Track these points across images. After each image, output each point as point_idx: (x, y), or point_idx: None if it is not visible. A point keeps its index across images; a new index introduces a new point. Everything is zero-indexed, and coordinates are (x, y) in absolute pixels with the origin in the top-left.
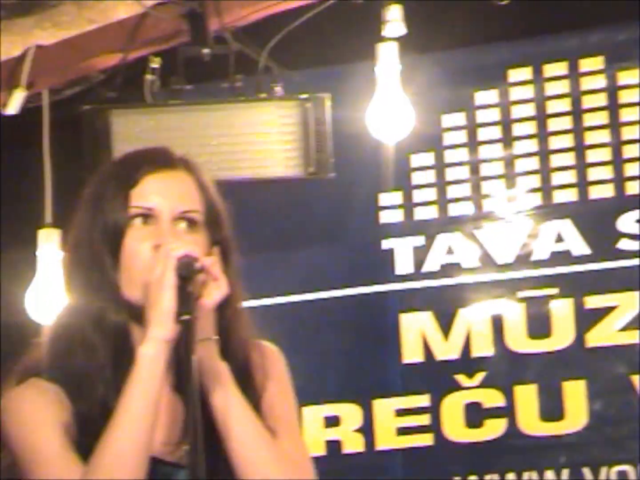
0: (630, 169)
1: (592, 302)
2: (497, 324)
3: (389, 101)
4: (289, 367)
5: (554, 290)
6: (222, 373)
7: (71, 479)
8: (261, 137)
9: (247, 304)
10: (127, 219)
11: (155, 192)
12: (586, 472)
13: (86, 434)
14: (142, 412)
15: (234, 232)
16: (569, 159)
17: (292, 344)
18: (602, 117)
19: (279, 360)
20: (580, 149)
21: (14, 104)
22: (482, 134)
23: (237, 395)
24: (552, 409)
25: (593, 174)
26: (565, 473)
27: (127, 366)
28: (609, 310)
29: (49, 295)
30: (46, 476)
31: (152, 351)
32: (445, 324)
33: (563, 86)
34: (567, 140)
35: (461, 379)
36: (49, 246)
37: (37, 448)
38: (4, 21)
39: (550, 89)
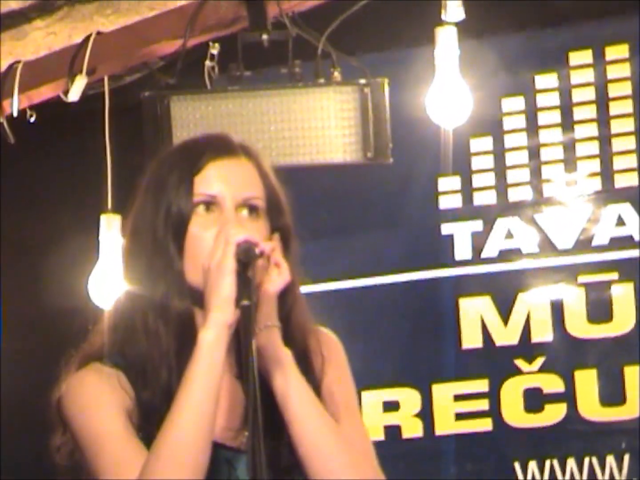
0: None
1: None
2: (557, 309)
3: (448, 86)
4: (348, 352)
5: (614, 275)
6: (285, 360)
7: (135, 464)
8: (320, 122)
9: (306, 289)
10: (192, 207)
11: (218, 179)
12: None
13: (149, 421)
14: (204, 396)
15: (293, 218)
16: (630, 143)
17: (351, 329)
18: None
19: (338, 347)
20: None
21: (75, 91)
22: (542, 118)
23: (301, 381)
24: (612, 394)
25: None
26: (626, 458)
27: (190, 353)
28: None
29: (111, 281)
30: (109, 461)
31: (212, 336)
32: (505, 309)
33: (624, 69)
34: (628, 124)
35: (520, 364)
36: (111, 232)
37: (101, 432)
38: (66, 8)
39: (612, 72)
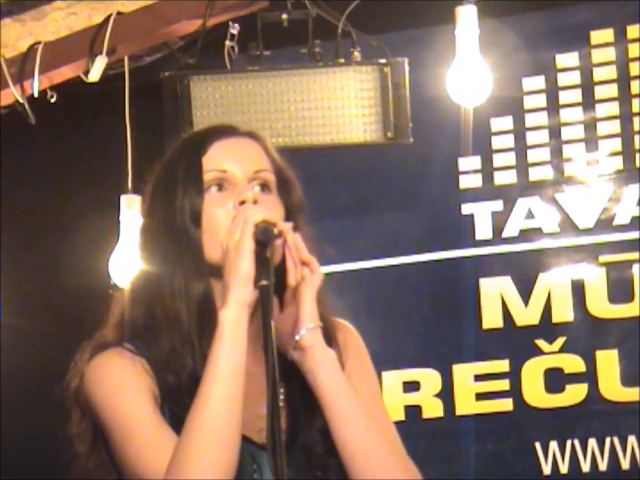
0: None
1: None
2: (578, 289)
3: (468, 65)
4: (368, 332)
5: (635, 255)
6: (330, 361)
7: (166, 448)
8: (340, 102)
9: (326, 269)
10: (204, 188)
11: (226, 155)
12: None
13: (176, 405)
14: (230, 373)
15: (310, 198)
16: None
17: (371, 310)
18: None
19: (355, 337)
20: None
21: (96, 71)
22: (563, 97)
23: (347, 383)
24: (633, 375)
25: None
26: None
27: (211, 334)
28: None
29: (131, 261)
30: (140, 446)
31: (232, 314)
32: (525, 290)
33: None
34: None
35: (541, 344)
36: (131, 212)
37: (129, 416)
38: None
39: (633, 51)
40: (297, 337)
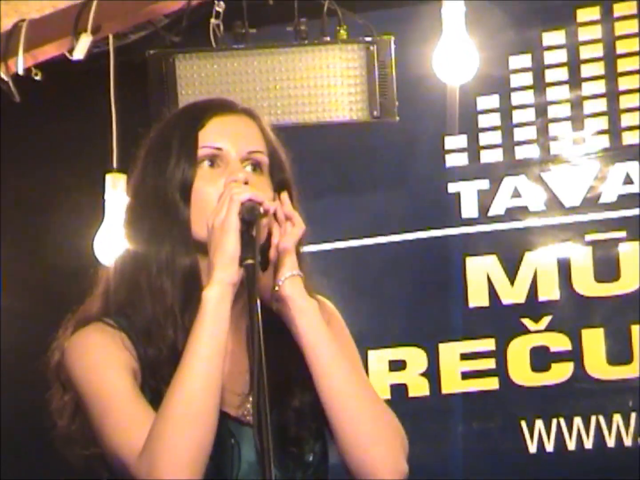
0: None
1: None
2: (564, 268)
3: (454, 43)
4: (353, 311)
5: (621, 234)
6: (311, 309)
7: (144, 423)
8: (325, 81)
9: (312, 248)
10: (197, 162)
11: (222, 133)
12: None
13: (155, 379)
14: (211, 352)
15: (298, 177)
16: (638, 100)
17: (357, 288)
18: None
19: (335, 315)
20: None
21: (80, 49)
22: (550, 75)
23: (328, 331)
24: (619, 353)
25: None
26: (633, 416)
27: (195, 309)
28: None
29: (116, 240)
30: (117, 421)
31: (216, 293)
32: (511, 268)
33: (632, 26)
34: (636, 81)
35: (527, 322)
36: (116, 191)
37: (107, 391)
38: None
39: (620, 28)
40: (276, 288)
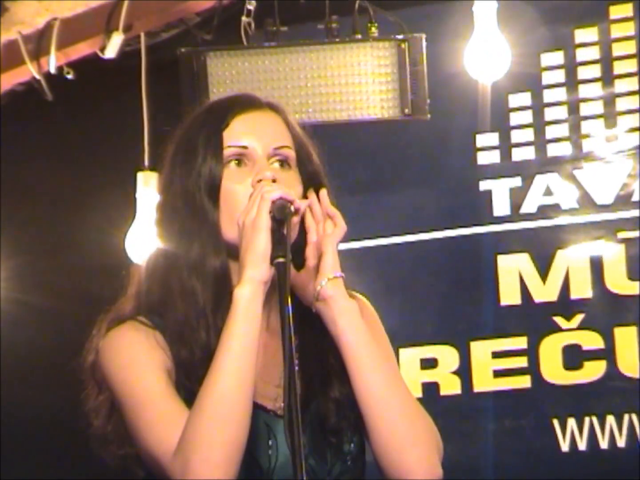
0: None
1: None
2: (596, 266)
3: (486, 40)
4: (386, 309)
5: None
6: (352, 310)
7: (178, 421)
8: (357, 78)
9: (345, 246)
10: (223, 162)
11: (247, 131)
12: None
13: (189, 379)
14: (243, 350)
15: (329, 173)
16: None
17: (389, 287)
18: None
19: (371, 311)
20: None
21: (112, 48)
22: (582, 72)
23: (368, 333)
24: None
25: None
26: None
27: (226, 310)
28: None
29: (148, 238)
30: (152, 419)
31: (248, 292)
32: (543, 266)
33: None
34: None
35: (559, 321)
36: (148, 189)
37: (142, 390)
38: None
39: None
40: (318, 288)
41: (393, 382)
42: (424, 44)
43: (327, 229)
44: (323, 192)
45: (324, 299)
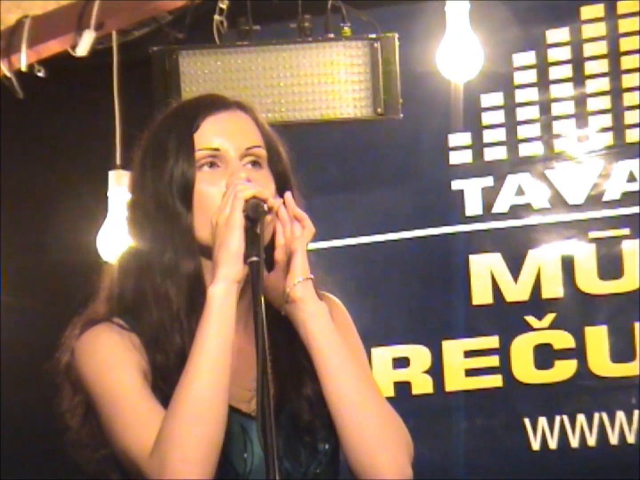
0: None
1: None
2: (568, 265)
3: (458, 40)
4: (358, 309)
5: (625, 231)
6: (321, 312)
7: (154, 422)
8: (329, 77)
9: (316, 245)
10: (195, 165)
11: (217, 133)
12: None
13: (164, 382)
14: (217, 349)
15: (300, 174)
16: None
17: (361, 286)
18: None
19: (343, 311)
20: None
21: (84, 46)
22: (554, 72)
23: (337, 335)
24: (622, 351)
25: None
26: (636, 414)
27: (200, 312)
28: None
29: (119, 237)
30: (127, 420)
31: (221, 290)
32: (515, 266)
33: (636, 24)
34: None
35: (531, 320)
36: (120, 188)
37: (118, 391)
38: None
39: (624, 26)
40: (287, 290)
41: (363, 385)
42: (397, 43)
43: (295, 232)
44: (288, 195)
45: (294, 301)
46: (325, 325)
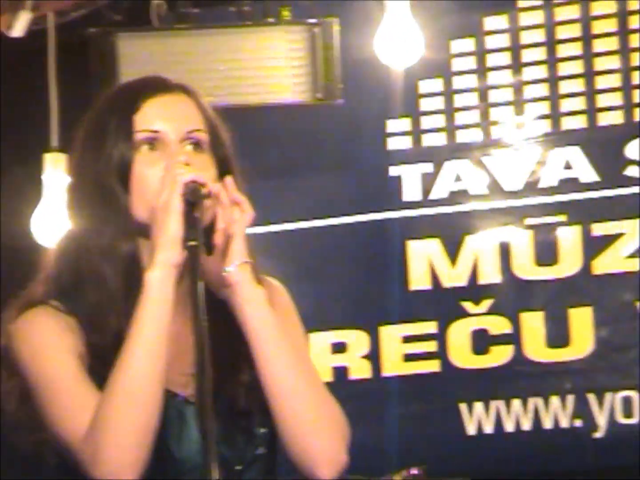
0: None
1: (600, 229)
2: (505, 251)
3: (397, 26)
4: (296, 294)
5: (561, 218)
6: (258, 297)
7: (89, 406)
8: (269, 62)
9: (255, 230)
10: (134, 147)
11: (158, 115)
12: (591, 397)
13: (101, 364)
14: (154, 334)
15: (240, 156)
16: (578, 85)
17: (299, 271)
18: (612, 43)
19: (284, 294)
20: (589, 75)
21: (19, 26)
22: (491, 60)
23: (274, 320)
24: (558, 336)
25: (602, 100)
26: (570, 399)
27: (138, 294)
28: (616, 237)
29: (55, 220)
30: (63, 404)
31: (159, 275)
32: (453, 251)
33: (573, 11)
34: (577, 67)
35: (468, 306)
36: (55, 170)
37: (53, 375)
38: None
39: (560, 14)
40: (225, 274)
41: (299, 370)
42: (337, 28)
43: (234, 216)
44: (228, 179)
45: (231, 285)
46: (261, 310)
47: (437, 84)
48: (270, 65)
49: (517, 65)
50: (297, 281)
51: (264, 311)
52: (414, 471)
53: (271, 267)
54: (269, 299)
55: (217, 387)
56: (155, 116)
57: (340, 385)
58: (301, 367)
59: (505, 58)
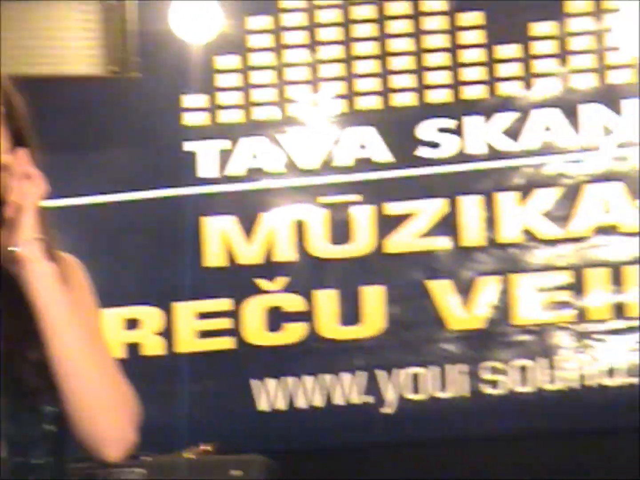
0: (430, 77)
1: (392, 209)
2: (300, 230)
3: (194, 1)
4: (89, 269)
5: (355, 197)
6: (48, 274)
7: None
8: (61, 32)
9: (47, 203)
10: None
11: None
12: (380, 374)
13: None
14: None
15: (34, 130)
16: (373, 66)
17: (92, 246)
18: (406, 26)
19: (79, 270)
20: (383, 56)
21: None
22: (288, 37)
23: (64, 297)
24: (351, 314)
25: (396, 81)
26: (360, 375)
27: None
28: (408, 217)
29: None
30: None
31: None
32: (248, 229)
33: None
34: (371, 48)
35: (262, 283)
36: None
37: None
38: None
39: None
40: (15, 249)
41: (88, 348)
42: (134, 2)
43: (25, 189)
44: (21, 151)
45: (20, 260)
46: (50, 287)
47: (233, 60)
48: (63, 36)
49: (313, 44)
50: (92, 256)
51: (53, 288)
52: (204, 447)
53: (65, 242)
54: (62, 275)
55: (5, 365)
56: None
57: (133, 362)
58: (90, 346)
59: (301, 36)
